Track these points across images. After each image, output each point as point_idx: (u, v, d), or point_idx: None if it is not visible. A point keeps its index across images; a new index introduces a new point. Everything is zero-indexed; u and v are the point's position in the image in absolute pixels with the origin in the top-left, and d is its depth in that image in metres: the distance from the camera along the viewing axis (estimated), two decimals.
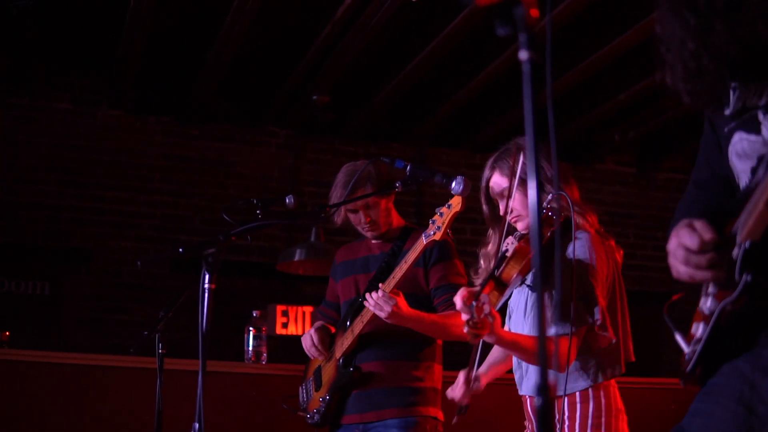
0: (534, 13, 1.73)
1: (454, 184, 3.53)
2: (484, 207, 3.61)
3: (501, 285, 3.24)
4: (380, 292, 3.78)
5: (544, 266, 3.36)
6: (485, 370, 3.63)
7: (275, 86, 7.38)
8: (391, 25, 6.14)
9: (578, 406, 3.32)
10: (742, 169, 2.09)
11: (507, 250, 3.33)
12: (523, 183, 3.39)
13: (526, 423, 3.53)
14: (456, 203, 3.68)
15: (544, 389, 1.63)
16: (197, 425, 2.88)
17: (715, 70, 2.01)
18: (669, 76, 2.11)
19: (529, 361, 3.32)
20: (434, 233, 3.73)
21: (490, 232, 3.66)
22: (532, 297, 3.44)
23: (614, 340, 3.31)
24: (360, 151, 8.06)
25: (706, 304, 2.10)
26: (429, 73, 6.94)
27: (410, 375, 4.04)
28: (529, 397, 3.46)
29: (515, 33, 1.72)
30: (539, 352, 1.55)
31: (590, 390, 3.33)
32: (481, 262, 3.66)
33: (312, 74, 7.02)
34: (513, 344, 3.22)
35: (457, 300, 3.11)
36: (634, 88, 7.14)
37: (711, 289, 2.12)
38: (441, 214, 3.73)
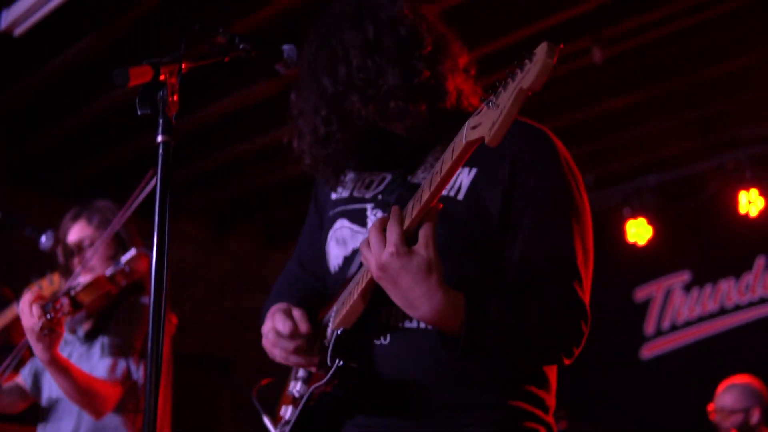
0: (175, 97, 1.75)
1: (43, 239, 3.38)
2: (59, 256, 3.62)
3: (75, 304, 3.18)
4: None
5: (105, 317, 3.39)
6: None
7: None
8: None
9: None
10: (335, 255, 2.18)
11: (79, 284, 3.31)
12: (108, 238, 3.46)
13: None
14: None
15: None
16: None
17: (342, 140, 2.09)
18: (297, 142, 2.16)
19: (71, 396, 3.26)
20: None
21: (61, 281, 3.61)
22: (80, 348, 3.46)
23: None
24: None
25: (296, 387, 2.17)
26: (21, 106, 6.48)
27: None
28: None
29: (155, 114, 1.72)
30: (147, 422, 1.49)
31: None
32: None
33: None
34: (65, 370, 3.17)
35: (25, 301, 3.04)
36: (217, 155, 7.25)
37: (301, 373, 2.19)
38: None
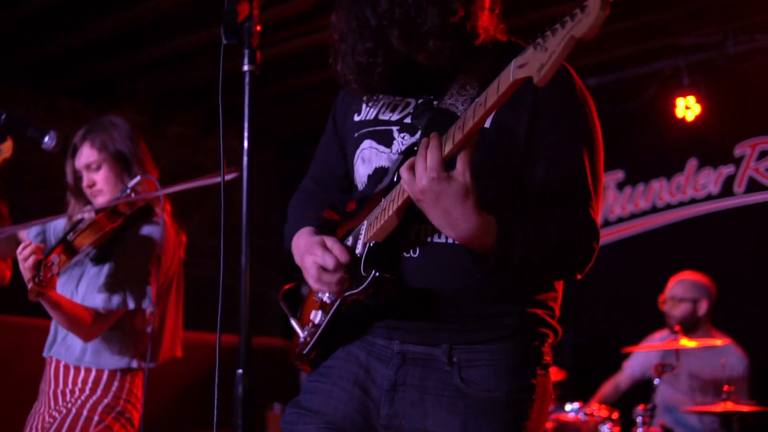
0: (258, 28, 1.84)
1: (46, 139, 3.42)
2: (68, 176, 3.68)
3: (71, 250, 3.28)
4: None
5: (113, 243, 3.46)
6: None
7: None
8: None
9: (101, 385, 3.42)
10: (361, 173, 2.34)
11: (83, 220, 3.36)
12: (113, 159, 3.48)
13: (43, 386, 3.52)
14: (6, 149, 3.58)
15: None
16: None
17: (383, 70, 2.24)
18: (339, 65, 2.30)
19: (65, 327, 3.36)
20: None
21: (71, 200, 3.65)
22: (91, 270, 3.50)
23: (149, 330, 3.48)
24: None
25: (326, 294, 2.32)
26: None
27: None
28: (57, 360, 3.48)
29: (240, 44, 1.81)
30: (243, 345, 1.65)
31: (118, 373, 3.46)
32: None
33: None
34: (57, 305, 3.25)
35: (25, 252, 3.12)
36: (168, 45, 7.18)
37: None
38: None
